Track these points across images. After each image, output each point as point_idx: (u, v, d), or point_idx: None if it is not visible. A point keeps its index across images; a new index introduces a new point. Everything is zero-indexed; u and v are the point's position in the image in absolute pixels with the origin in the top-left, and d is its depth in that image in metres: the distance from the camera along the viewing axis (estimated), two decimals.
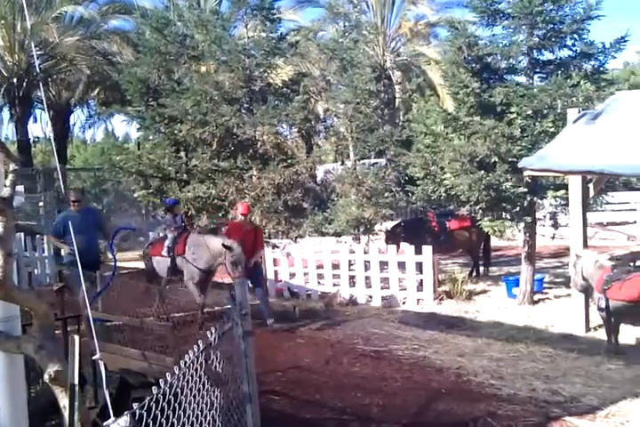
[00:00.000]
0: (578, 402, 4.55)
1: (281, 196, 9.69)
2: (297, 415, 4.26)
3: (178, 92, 10.97)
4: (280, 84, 10.99)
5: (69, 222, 6.55)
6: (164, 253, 7.76)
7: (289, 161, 10.02)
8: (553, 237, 9.74)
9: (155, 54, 11.26)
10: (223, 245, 6.97)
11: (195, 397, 2.64)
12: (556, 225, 9.33)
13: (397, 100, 19.09)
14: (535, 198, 8.46)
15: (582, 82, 8.47)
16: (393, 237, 9.82)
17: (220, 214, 10.05)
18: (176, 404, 2.49)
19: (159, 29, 11.36)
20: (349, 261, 9.39)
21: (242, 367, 3.25)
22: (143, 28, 12.95)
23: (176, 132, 10.66)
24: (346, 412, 4.38)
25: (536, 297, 8.59)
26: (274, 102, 10.40)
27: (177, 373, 2.47)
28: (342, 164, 12.29)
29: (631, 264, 6.55)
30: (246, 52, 10.54)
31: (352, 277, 9.28)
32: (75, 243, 6.72)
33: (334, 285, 9.52)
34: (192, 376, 2.58)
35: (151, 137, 12.30)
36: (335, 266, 9.49)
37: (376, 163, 12.00)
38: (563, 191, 8.02)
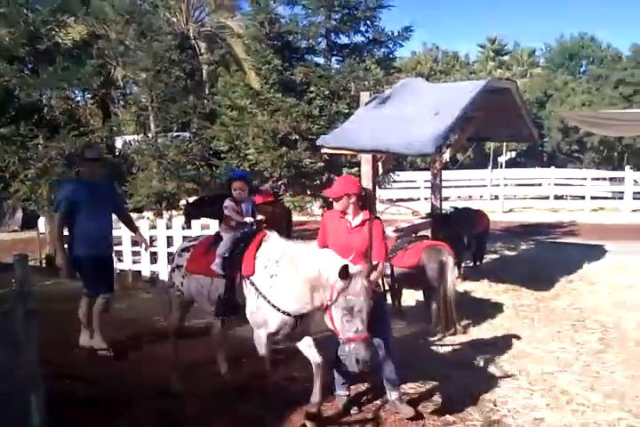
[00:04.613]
0: None
1: (73, 167, 8.91)
2: (88, 395, 4.03)
3: None
4: (70, 45, 10.02)
5: (79, 199, 4.84)
6: (216, 266, 4.01)
7: (81, 129, 9.24)
8: None
9: None
10: (339, 273, 3.27)
11: None
12: None
13: (204, 72, 18.66)
14: (332, 175, 8.95)
15: (374, 67, 9.11)
16: (193, 211, 9.63)
17: None
18: None
19: None
20: (150, 237, 9.03)
21: (24, 350, 2.97)
22: None
23: None
24: (143, 387, 4.25)
25: None
26: (63, 64, 9.46)
27: None
28: (144, 135, 11.70)
29: (413, 235, 7.32)
30: (30, 6, 9.40)
31: (154, 254, 8.95)
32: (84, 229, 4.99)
33: (134, 262, 9.10)
34: None
35: None
36: (135, 243, 9.05)
37: (179, 135, 11.63)
38: (356, 169, 8.59)
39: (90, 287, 5.21)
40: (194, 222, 8.79)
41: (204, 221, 8.98)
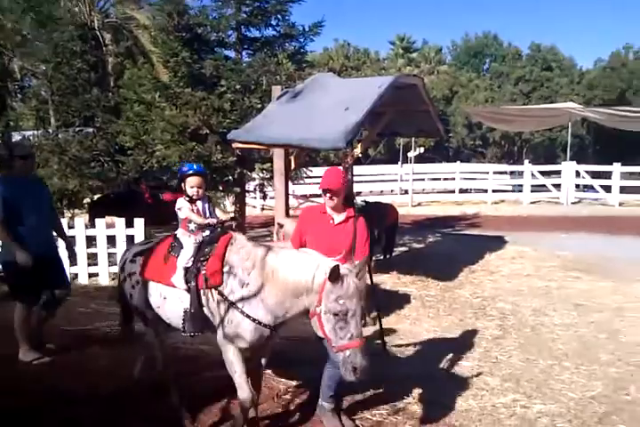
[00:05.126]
0: None
1: None
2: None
3: None
4: None
5: (18, 195, 4.52)
6: (177, 280, 3.55)
7: None
8: (262, 208, 10.39)
9: None
10: (329, 274, 3.02)
11: None
12: (264, 196, 9.97)
13: (108, 65, 17.88)
14: (244, 170, 8.88)
15: (285, 61, 9.10)
16: (98, 210, 9.24)
17: None
18: None
19: None
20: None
21: None
22: None
23: None
24: (48, 395, 4.06)
25: None
26: None
27: None
28: (43, 130, 11.06)
29: None
30: None
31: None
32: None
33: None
34: None
35: None
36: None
37: (82, 130, 11.10)
38: (269, 164, 8.58)
39: (29, 293, 4.85)
40: (98, 221, 8.43)
41: (109, 219, 8.64)
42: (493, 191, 18.92)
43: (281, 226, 7.14)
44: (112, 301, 7.05)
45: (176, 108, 8.61)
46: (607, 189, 17.94)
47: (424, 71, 36.53)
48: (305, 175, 10.32)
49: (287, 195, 7.86)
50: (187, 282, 3.48)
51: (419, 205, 18.48)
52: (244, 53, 9.89)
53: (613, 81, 33.46)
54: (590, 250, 10.09)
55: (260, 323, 3.27)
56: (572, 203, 17.91)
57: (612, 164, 17.92)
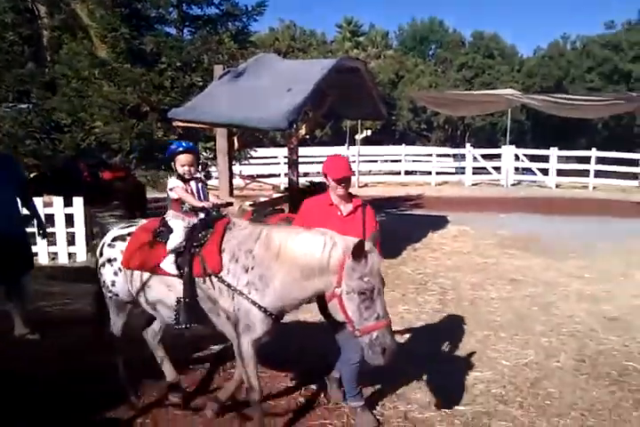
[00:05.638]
0: None
1: None
2: None
3: None
4: None
5: None
6: (168, 265, 3.24)
7: None
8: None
9: None
10: (353, 251, 2.82)
11: None
12: (208, 176, 9.82)
13: (44, 39, 17.05)
14: None
15: (228, 40, 8.97)
16: (34, 188, 8.87)
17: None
18: None
19: None
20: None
21: None
22: None
23: None
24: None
25: None
26: None
27: None
28: None
29: (271, 208, 7.43)
30: None
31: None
32: None
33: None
34: None
35: None
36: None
37: (15, 106, 10.58)
38: (212, 143, 8.46)
39: None
40: (35, 200, 8.10)
41: (47, 198, 8.34)
42: (437, 173, 19.32)
43: (229, 204, 7.07)
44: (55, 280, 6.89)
45: (115, 85, 8.36)
46: (544, 171, 18.64)
47: (371, 55, 36.67)
48: (249, 156, 10.23)
49: (231, 174, 7.80)
50: (179, 268, 3.16)
51: (365, 186, 18.68)
52: (185, 31, 9.69)
53: (551, 69, 34.62)
54: (527, 229, 10.49)
55: (266, 311, 3.01)
56: (512, 185, 18.52)
57: (549, 148, 18.61)
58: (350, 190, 3.59)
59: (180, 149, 3.42)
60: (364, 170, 20.29)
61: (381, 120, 18.05)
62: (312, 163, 19.29)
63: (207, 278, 3.12)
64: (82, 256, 8.24)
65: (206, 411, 3.58)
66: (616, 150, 19.16)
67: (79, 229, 8.18)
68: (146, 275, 3.31)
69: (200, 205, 3.33)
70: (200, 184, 3.46)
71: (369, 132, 24.84)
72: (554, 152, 18.43)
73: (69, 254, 8.28)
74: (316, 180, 11.22)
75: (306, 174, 18.58)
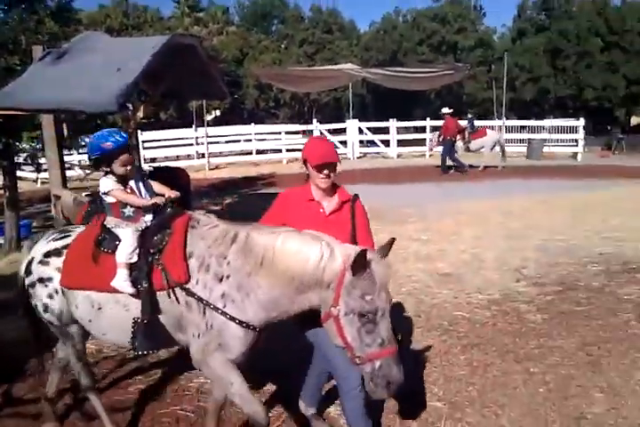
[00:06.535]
0: None
1: None
2: None
3: None
4: None
5: None
6: (120, 283, 2.68)
7: None
8: (36, 181, 9.52)
9: None
10: (353, 264, 2.34)
11: None
12: (38, 168, 9.14)
13: None
14: (11, 140, 8.03)
15: (48, 19, 8.30)
16: None
17: None
18: None
19: None
20: None
21: None
22: None
23: None
24: None
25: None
26: None
27: None
28: None
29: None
30: None
31: None
32: None
33: None
34: None
35: None
36: None
37: None
38: (39, 132, 7.85)
39: None
40: None
41: None
42: (287, 151, 19.61)
43: (58, 197, 6.66)
44: None
45: None
46: (386, 143, 19.72)
47: (212, 31, 35.82)
48: (85, 143, 9.62)
49: (63, 164, 7.32)
50: (135, 284, 2.64)
51: (216, 168, 18.48)
52: None
53: (386, 43, 36.35)
54: (371, 199, 11.07)
55: (248, 326, 2.53)
56: (358, 157, 19.40)
57: (389, 120, 19.69)
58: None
59: (119, 145, 2.75)
60: (215, 151, 20.04)
61: (224, 99, 17.84)
62: (159, 147, 18.68)
63: (171, 291, 2.62)
64: None
65: None
66: None
67: None
68: (91, 296, 2.77)
69: (149, 203, 2.80)
70: (142, 182, 2.93)
71: (217, 113, 24.49)
72: (393, 124, 19.56)
73: None
74: (166, 164, 10.94)
75: (153, 160, 17.95)
